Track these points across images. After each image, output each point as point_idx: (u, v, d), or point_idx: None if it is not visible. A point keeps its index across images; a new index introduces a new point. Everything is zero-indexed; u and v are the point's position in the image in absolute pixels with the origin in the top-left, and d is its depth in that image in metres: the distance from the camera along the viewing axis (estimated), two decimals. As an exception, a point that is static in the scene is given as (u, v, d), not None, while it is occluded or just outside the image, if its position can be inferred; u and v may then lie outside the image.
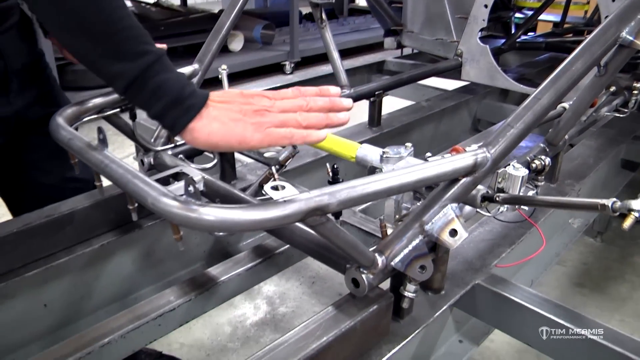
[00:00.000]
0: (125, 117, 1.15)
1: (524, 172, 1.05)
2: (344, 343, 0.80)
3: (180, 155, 1.32)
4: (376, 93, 1.85)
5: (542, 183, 1.23)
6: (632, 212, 0.63)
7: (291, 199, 0.67)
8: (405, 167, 0.77)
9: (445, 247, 0.84)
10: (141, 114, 0.92)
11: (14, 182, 1.27)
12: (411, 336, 0.91)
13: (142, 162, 1.28)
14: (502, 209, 1.07)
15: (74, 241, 1.17)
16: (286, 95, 0.76)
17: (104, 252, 1.21)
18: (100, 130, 0.84)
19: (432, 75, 2.14)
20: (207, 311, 1.03)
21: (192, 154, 1.36)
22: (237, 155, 1.48)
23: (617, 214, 0.66)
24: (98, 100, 1.11)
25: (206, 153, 1.40)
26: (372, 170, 1.04)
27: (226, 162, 1.46)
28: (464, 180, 0.84)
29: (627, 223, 0.64)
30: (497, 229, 1.25)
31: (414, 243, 0.83)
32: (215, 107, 0.74)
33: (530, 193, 1.07)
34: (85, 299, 1.23)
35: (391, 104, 1.99)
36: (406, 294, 0.86)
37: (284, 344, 0.76)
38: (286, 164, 1.28)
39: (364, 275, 0.81)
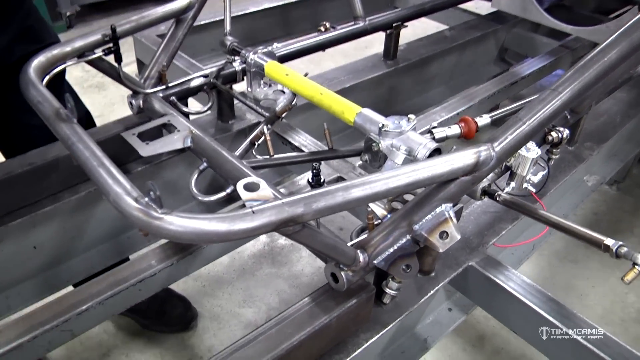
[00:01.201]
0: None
1: (535, 153, 0.96)
2: (317, 339, 0.78)
3: (172, 98, 1.24)
4: (394, 25, 1.69)
5: (558, 156, 1.14)
6: (638, 267, 0.56)
7: (261, 209, 0.62)
8: (393, 170, 0.69)
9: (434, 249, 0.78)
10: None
11: (3, 125, 1.21)
12: (391, 325, 0.88)
13: (131, 104, 1.20)
14: (513, 184, 1.00)
15: (59, 188, 1.13)
16: None
17: (91, 197, 1.18)
18: (67, 99, 0.76)
19: (456, 4, 1.94)
20: (189, 274, 1.02)
21: (185, 95, 1.27)
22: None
23: (620, 259, 0.59)
24: (77, 44, 1.01)
25: (202, 93, 1.31)
26: (368, 141, 0.96)
27: (223, 102, 1.37)
28: (462, 178, 0.76)
29: (629, 277, 0.57)
30: (501, 200, 1.18)
31: (400, 243, 0.77)
32: None
33: (540, 175, 0.99)
34: (76, 239, 1.23)
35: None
36: (387, 291, 0.83)
37: (252, 342, 0.74)
38: (282, 116, 1.20)
39: (343, 273, 0.77)
